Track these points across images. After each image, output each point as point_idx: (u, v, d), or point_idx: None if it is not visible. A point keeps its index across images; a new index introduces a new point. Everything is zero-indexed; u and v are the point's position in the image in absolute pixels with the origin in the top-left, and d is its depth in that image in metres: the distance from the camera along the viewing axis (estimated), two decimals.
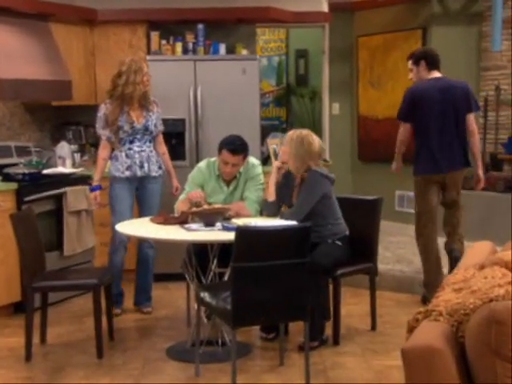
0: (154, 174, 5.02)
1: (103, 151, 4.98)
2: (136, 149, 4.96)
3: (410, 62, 5.29)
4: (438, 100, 5.05)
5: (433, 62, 5.19)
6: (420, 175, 5.20)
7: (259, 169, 4.69)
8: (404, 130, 5.22)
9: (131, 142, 4.95)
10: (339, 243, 4.42)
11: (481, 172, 5.31)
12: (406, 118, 5.17)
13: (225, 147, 4.49)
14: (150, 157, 5.00)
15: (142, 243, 5.11)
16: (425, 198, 5.21)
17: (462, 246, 5.37)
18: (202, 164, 4.74)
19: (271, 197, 4.52)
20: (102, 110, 4.94)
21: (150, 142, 5.04)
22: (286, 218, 4.23)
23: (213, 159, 4.69)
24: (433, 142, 5.09)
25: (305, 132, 4.43)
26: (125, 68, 4.88)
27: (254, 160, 4.72)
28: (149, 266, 5.16)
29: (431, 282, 5.13)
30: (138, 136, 4.96)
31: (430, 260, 5.25)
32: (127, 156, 4.94)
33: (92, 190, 5.00)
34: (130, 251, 5.62)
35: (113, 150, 5.02)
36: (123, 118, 4.89)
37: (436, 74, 5.18)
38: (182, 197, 4.70)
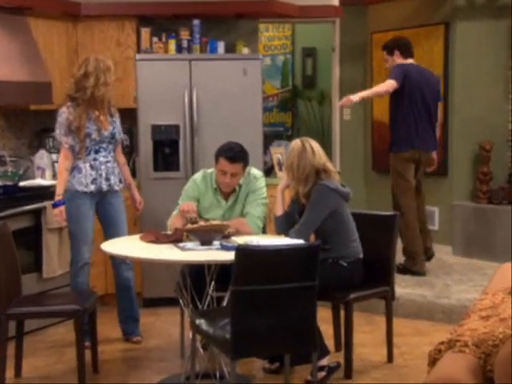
0: (116, 187, 4.98)
1: (65, 161, 4.88)
2: (102, 159, 4.91)
3: (385, 52, 6.14)
4: (419, 82, 5.91)
5: (406, 50, 6.05)
6: (407, 152, 5.95)
7: (262, 181, 4.69)
8: (390, 86, 5.80)
9: (97, 152, 4.90)
10: (343, 263, 4.40)
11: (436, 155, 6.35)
12: (398, 79, 5.79)
13: (222, 155, 4.50)
14: (114, 168, 4.97)
15: (119, 265, 5.05)
16: (409, 174, 6.04)
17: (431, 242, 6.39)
18: (198, 176, 4.74)
19: (278, 211, 4.52)
20: (64, 115, 4.87)
21: (114, 151, 5.03)
22: (292, 237, 4.23)
23: (209, 170, 4.70)
24: (418, 120, 5.93)
25: (295, 144, 4.44)
26: (91, 68, 4.83)
27: (256, 171, 4.72)
28: (131, 291, 5.12)
29: (417, 250, 6.09)
30: (104, 145, 4.92)
31: (415, 232, 6.07)
32: (92, 167, 4.88)
33: (55, 205, 4.89)
34: (108, 274, 5.59)
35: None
36: (91, 124, 4.85)
37: (411, 61, 6.04)
38: (175, 212, 4.69)
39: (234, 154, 4.49)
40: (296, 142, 4.45)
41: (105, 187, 4.91)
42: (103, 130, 4.88)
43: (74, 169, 4.89)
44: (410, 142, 5.94)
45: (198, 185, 4.69)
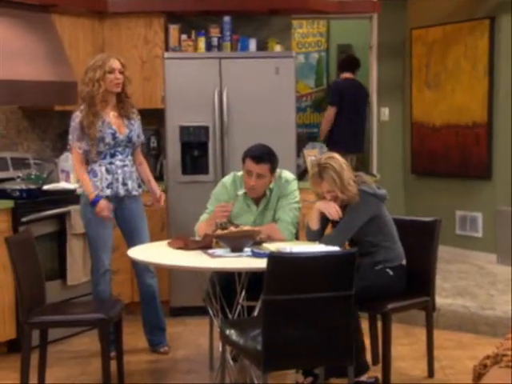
0: (134, 192, 4.96)
1: (82, 166, 4.86)
2: (118, 163, 4.89)
3: None
4: (350, 95, 7.38)
5: (341, 67, 7.81)
6: (344, 152, 6.85)
7: (294, 185, 4.67)
8: (332, 113, 7.37)
9: (112, 156, 4.89)
10: (390, 272, 4.39)
11: None
12: (334, 103, 7.38)
13: (248, 155, 4.51)
14: (132, 173, 4.95)
15: (142, 273, 5.06)
16: None
17: None
18: (227, 179, 4.74)
19: (314, 225, 4.49)
20: (77, 118, 4.85)
21: (132, 154, 5.01)
22: (327, 243, 4.21)
23: (240, 173, 4.69)
24: (351, 126, 7.35)
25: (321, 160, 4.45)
26: (90, 65, 4.87)
27: (287, 174, 4.71)
28: (156, 300, 5.13)
29: None
30: (120, 148, 4.90)
31: None
32: (108, 171, 4.86)
33: (94, 203, 4.80)
34: (134, 281, 5.60)
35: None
36: (104, 128, 4.82)
37: (346, 75, 7.58)
38: (203, 216, 4.69)
39: (260, 154, 4.49)
40: (334, 161, 4.39)
41: (122, 192, 4.90)
42: (118, 134, 4.88)
43: (90, 172, 4.87)
44: (344, 144, 6.97)
45: (227, 188, 4.68)
